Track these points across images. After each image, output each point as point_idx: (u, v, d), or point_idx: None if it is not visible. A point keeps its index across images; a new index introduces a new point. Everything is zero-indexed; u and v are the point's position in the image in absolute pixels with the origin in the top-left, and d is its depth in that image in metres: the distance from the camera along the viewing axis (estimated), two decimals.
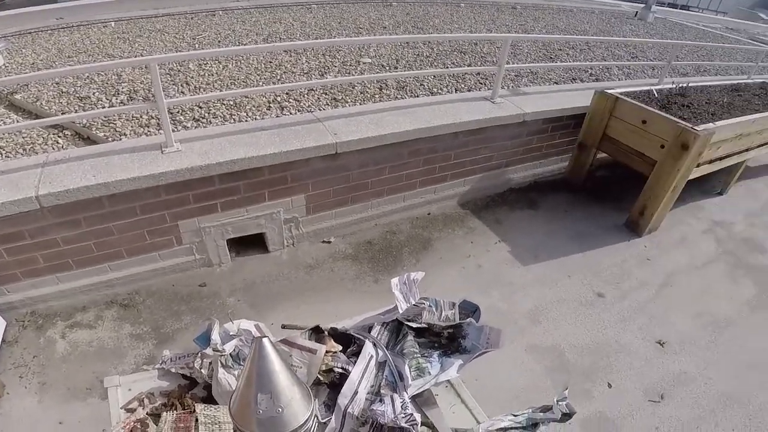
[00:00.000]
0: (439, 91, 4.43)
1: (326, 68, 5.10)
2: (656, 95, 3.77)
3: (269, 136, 2.82)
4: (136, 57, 5.61)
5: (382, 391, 1.19)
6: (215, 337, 1.25)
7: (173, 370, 1.26)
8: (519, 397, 2.34)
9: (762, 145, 4.13)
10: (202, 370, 1.21)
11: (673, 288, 3.18)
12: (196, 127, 3.42)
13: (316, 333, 1.33)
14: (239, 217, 2.85)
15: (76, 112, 3.97)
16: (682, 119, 3.27)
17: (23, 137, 3.73)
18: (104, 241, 2.59)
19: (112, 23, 7.87)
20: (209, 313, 2.68)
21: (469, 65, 5.59)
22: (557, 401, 1.14)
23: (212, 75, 4.75)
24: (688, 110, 3.55)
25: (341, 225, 3.28)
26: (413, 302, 1.39)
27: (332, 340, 1.30)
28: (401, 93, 4.29)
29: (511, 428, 1.15)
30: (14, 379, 2.29)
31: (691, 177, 3.39)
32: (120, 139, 3.26)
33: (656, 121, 3.32)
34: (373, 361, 1.25)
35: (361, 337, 1.31)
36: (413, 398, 1.20)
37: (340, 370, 1.22)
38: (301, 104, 3.92)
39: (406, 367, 1.23)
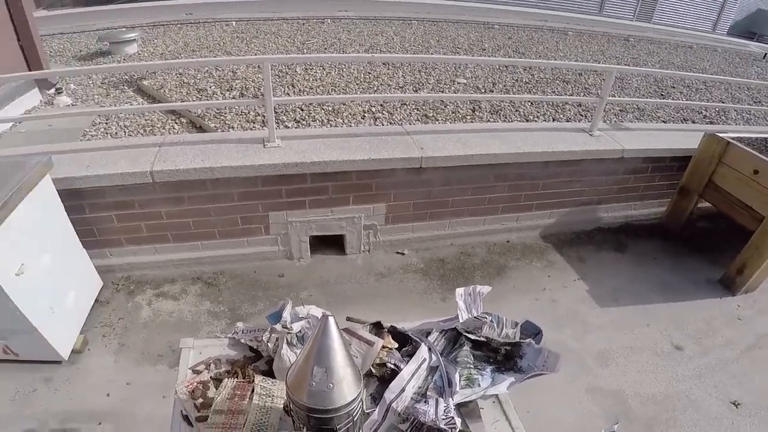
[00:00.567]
0: (535, 118, 4.34)
1: (421, 84, 5.20)
2: None
3: (360, 143, 2.93)
4: (251, 56, 6.07)
5: (428, 393, 1.20)
6: (286, 315, 1.32)
7: (243, 341, 1.34)
8: None
9: None
10: (269, 344, 1.28)
11: (762, 350, 2.86)
12: (296, 128, 3.64)
13: (377, 328, 1.38)
14: (324, 217, 2.98)
15: (193, 101, 4.38)
16: None
17: (146, 119, 4.20)
18: (201, 220, 2.83)
19: (233, 22, 8.58)
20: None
21: (571, 95, 5.42)
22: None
23: (316, 80, 5.02)
24: None
25: (417, 239, 3.32)
26: (475, 314, 1.39)
27: (390, 337, 1.34)
28: (494, 117, 4.26)
29: None
30: (98, 338, 2.52)
31: None
32: (228, 131, 3.55)
33: None
34: (425, 364, 1.27)
35: (418, 340, 1.33)
36: (458, 406, 1.20)
37: (392, 367, 1.25)
38: (393, 117, 4.04)
39: (457, 375, 1.23)
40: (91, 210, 2.64)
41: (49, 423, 2.09)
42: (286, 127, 3.76)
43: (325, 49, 6.58)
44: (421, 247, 3.37)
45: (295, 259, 3.12)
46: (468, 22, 9.99)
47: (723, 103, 6.10)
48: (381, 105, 4.30)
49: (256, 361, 1.30)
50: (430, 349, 1.31)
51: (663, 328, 2.95)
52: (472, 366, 1.28)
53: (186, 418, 1.13)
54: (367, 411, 1.15)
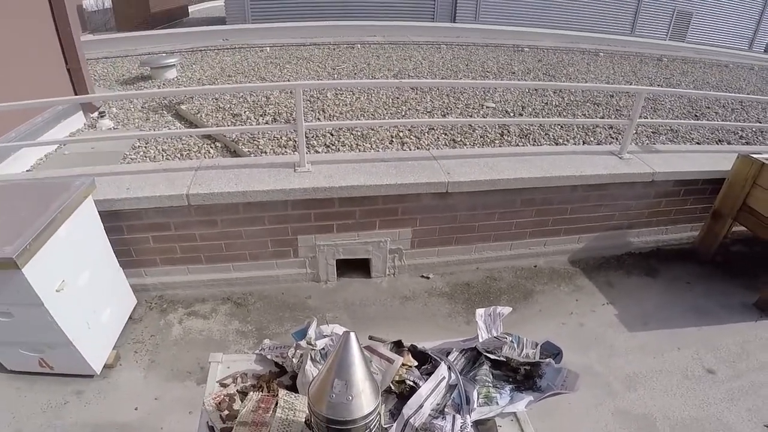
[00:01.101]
0: (565, 142, 4.32)
1: (449, 109, 5.25)
2: None
3: (387, 168, 2.99)
4: (284, 81, 6.27)
5: (446, 410, 1.22)
6: (311, 332, 1.36)
7: (269, 357, 1.39)
8: None
9: None
10: (294, 360, 1.32)
11: None
12: (326, 152, 3.74)
13: (397, 346, 1.40)
14: (351, 241, 3.03)
15: (228, 126, 4.55)
16: None
17: (182, 143, 4.38)
18: (233, 242, 2.92)
19: (268, 48, 8.91)
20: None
21: (602, 117, 5.37)
22: None
23: (345, 105, 5.14)
24: None
25: (442, 263, 3.32)
26: (495, 335, 1.40)
27: (410, 355, 1.36)
28: (523, 141, 4.26)
29: None
30: (129, 353, 2.61)
31: None
32: (261, 155, 3.67)
33: None
34: (444, 382, 1.28)
35: (438, 359, 1.35)
36: (475, 423, 1.21)
37: (411, 384, 1.27)
38: (421, 141, 4.09)
39: (475, 393, 1.24)
40: (129, 231, 2.77)
41: None
42: (316, 151, 3.86)
43: (355, 74, 6.75)
44: (446, 271, 3.37)
45: (322, 281, 3.17)
46: (497, 45, 10.06)
47: (760, 123, 5.91)
48: (409, 130, 4.37)
49: (281, 376, 1.35)
50: (449, 367, 1.33)
51: (694, 351, 2.86)
52: (490, 384, 1.29)
53: (212, 429, 1.17)
54: (385, 426, 1.17)
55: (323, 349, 1.32)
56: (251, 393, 1.23)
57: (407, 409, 1.20)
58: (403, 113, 4.97)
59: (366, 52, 8.72)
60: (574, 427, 2.32)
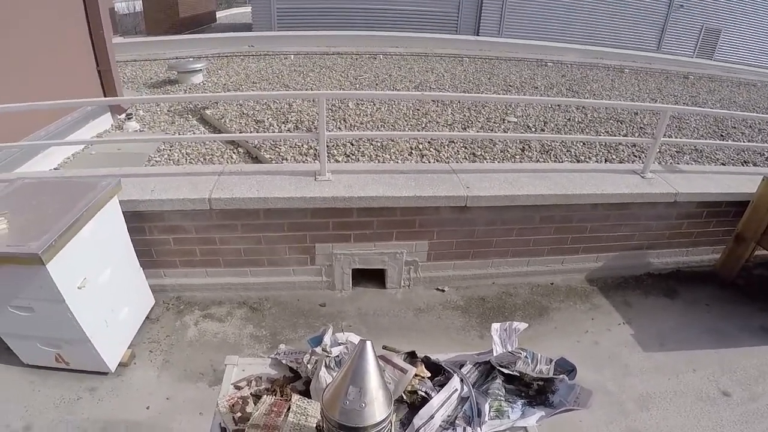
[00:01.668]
0: (587, 159, 4.28)
1: (470, 122, 5.24)
2: None
3: (406, 180, 3.00)
4: (307, 90, 6.36)
5: (456, 422, 1.22)
6: (327, 339, 1.38)
7: (284, 362, 1.41)
8: None
9: None
10: (308, 365, 1.34)
11: None
12: (346, 162, 3.77)
13: (411, 357, 1.42)
14: (367, 251, 3.04)
15: (251, 132, 4.62)
16: None
17: (206, 148, 4.46)
18: (252, 248, 2.96)
19: (292, 56, 9.04)
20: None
21: (625, 135, 5.30)
22: None
23: (366, 115, 5.18)
24: None
25: (458, 277, 3.31)
26: (510, 349, 1.40)
27: (423, 366, 1.37)
28: (544, 157, 4.23)
29: None
30: (144, 352, 2.64)
31: None
32: (282, 162, 3.72)
33: None
34: (456, 394, 1.29)
35: (451, 371, 1.35)
36: None
37: (423, 394, 1.28)
38: (441, 154, 4.09)
39: (487, 406, 1.24)
40: (150, 232, 2.83)
41: (89, 431, 2.19)
42: (336, 160, 3.90)
43: (377, 84, 6.80)
44: (461, 284, 3.35)
45: (337, 289, 3.19)
46: (520, 59, 10.04)
47: None
48: (429, 142, 4.38)
49: (295, 381, 1.37)
50: (462, 380, 1.33)
51: (710, 373, 2.81)
52: (502, 398, 1.30)
53: (224, 430, 1.19)
54: None
55: (338, 356, 1.33)
56: (265, 396, 1.25)
57: (418, 420, 1.21)
58: (423, 125, 4.98)
59: (388, 63, 8.78)
60: None
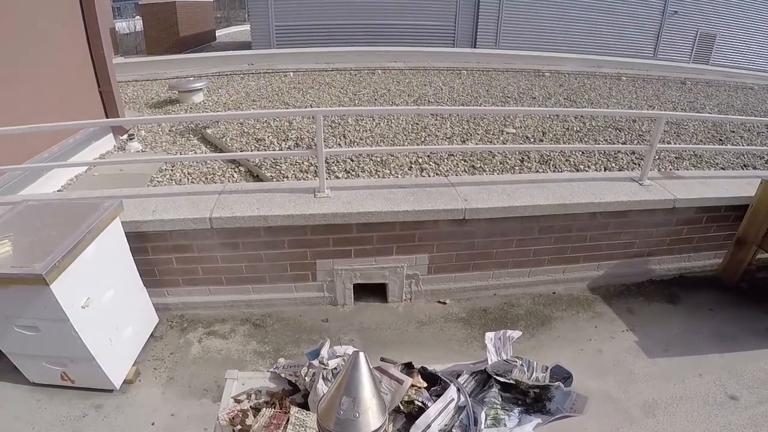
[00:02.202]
0: (586, 168, 4.30)
1: (469, 135, 5.28)
2: None
3: (404, 194, 3.02)
4: (307, 107, 6.42)
5: (453, 431, 1.24)
6: (324, 353, 1.41)
7: (283, 375, 1.44)
8: None
9: None
10: (306, 378, 1.36)
11: None
12: (346, 177, 3.81)
13: (408, 368, 1.44)
14: (368, 266, 3.06)
15: (252, 151, 4.67)
16: None
17: (207, 167, 4.51)
18: (253, 265, 2.98)
19: (291, 73, 9.14)
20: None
21: (624, 143, 5.33)
22: None
23: (366, 130, 5.23)
24: None
25: (459, 289, 3.32)
26: (504, 358, 1.41)
27: (419, 377, 1.39)
28: (543, 167, 4.26)
29: None
30: (149, 370, 2.66)
31: None
32: (283, 180, 3.76)
33: None
34: (452, 404, 1.30)
35: (448, 381, 1.37)
36: None
37: (420, 404, 1.29)
38: (440, 168, 4.12)
39: (483, 414, 1.26)
40: (153, 252, 2.86)
41: None
42: (337, 176, 3.93)
43: (375, 99, 6.87)
44: (463, 297, 3.36)
45: (339, 305, 3.20)
46: (518, 70, 10.12)
47: None
48: (428, 156, 4.41)
49: (294, 394, 1.39)
50: (459, 389, 1.34)
51: (717, 377, 2.79)
52: (499, 406, 1.31)
53: None
54: None
55: (335, 368, 1.36)
56: (264, 409, 1.27)
57: (415, 429, 1.23)
58: (423, 139, 5.02)
59: (386, 78, 8.87)
60: None
